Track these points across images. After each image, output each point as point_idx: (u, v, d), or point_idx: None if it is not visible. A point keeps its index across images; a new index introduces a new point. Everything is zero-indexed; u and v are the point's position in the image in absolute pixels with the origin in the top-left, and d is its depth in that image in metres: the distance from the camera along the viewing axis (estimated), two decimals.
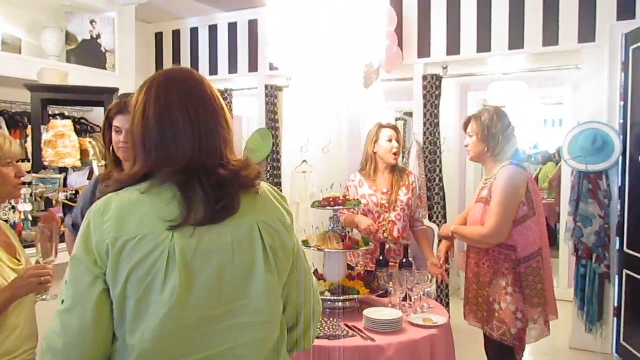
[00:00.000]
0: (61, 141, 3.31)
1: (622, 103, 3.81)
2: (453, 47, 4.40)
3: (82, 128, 3.82)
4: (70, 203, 3.18)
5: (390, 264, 2.78)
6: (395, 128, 3.09)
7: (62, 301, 1.07)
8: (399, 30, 4.45)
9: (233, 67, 5.39)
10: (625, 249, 3.76)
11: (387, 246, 2.91)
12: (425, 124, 4.51)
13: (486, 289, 2.46)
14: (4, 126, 3.68)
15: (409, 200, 3.01)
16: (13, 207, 2.83)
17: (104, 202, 1.09)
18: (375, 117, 4.33)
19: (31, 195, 2.97)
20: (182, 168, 1.09)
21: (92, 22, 4.08)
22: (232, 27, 5.37)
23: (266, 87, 5.20)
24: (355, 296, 2.47)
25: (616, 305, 3.86)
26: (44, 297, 1.74)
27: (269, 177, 5.16)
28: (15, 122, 3.80)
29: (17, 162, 1.77)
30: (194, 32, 5.59)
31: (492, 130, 2.47)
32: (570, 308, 4.09)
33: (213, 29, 5.49)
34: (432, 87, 4.45)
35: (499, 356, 2.50)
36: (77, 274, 1.06)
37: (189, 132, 1.11)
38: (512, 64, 4.56)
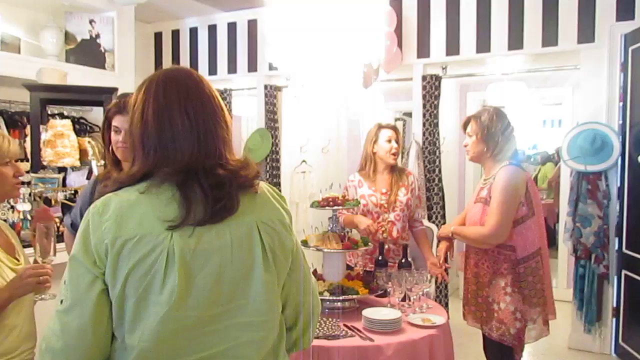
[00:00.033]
0: (60, 141, 3.31)
1: (621, 103, 3.82)
2: (452, 47, 4.40)
3: (81, 128, 3.82)
4: (69, 203, 3.18)
5: (389, 264, 2.78)
6: (394, 128, 3.09)
7: (61, 301, 1.06)
8: (399, 30, 4.46)
9: (232, 67, 5.39)
10: (623, 249, 3.77)
11: (386, 246, 2.91)
12: (424, 124, 4.51)
13: (485, 289, 2.47)
14: (3, 126, 3.67)
15: (408, 201, 3.01)
16: (12, 207, 2.83)
17: (103, 202, 1.08)
18: (374, 117, 4.34)
19: (30, 194, 2.97)
20: (181, 168, 1.09)
21: (91, 21, 4.08)
22: (232, 27, 5.37)
23: (265, 87, 5.20)
24: (354, 296, 2.47)
25: (615, 305, 3.86)
26: (43, 296, 1.73)
27: (268, 177, 5.16)
28: (14, 122, 3.80)
29: (16, 161, 1.77)
30: (193, 32, 5.59)
31: (491, 130, 2.47)
32: (569, 308, 4.10)
33: (212, 29, 5.49)
34: (432, 87, 4.45)
35: (498, 356, 2.50)
36: (76, 274, 1.06)
37: (188, 132, 1.10)
38: (511, 64, 4.56)
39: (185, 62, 5.56)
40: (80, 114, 3.94)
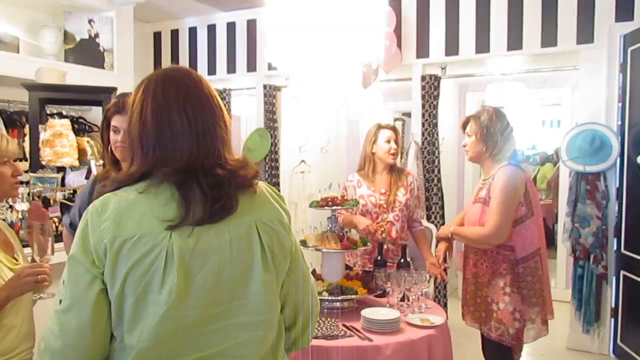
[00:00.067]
0: (59, 140, 3.31)
1: (620, 104, 3.82)
2: (452, 47, 4.40)
3: (80, 127, 3.82)
4: (68, 202, 3.18)
5: (388, 264, 2.78)
6: (394, 129, 3.09)
7: (60, 301, 1.06)
8: (398, 30, 4.46)
9: (231, 67, 5.39)
10: (622, 249, 3.77)
11: (385, 246, 2.91)
12: (423, 124, 4.51)
13: (484, 289, 2.47)
14: (2, 125, 3.67)
15: (407, 201, 3.02)
16: (11, 207, 2.83)
17: (102, 202, 1.08)
18: (373, 117, 4.34)
19: (29, 194, 2.97)
20: (180, 168, 1.09)
21: (90, 21, 4.08)
22: (231, 27, 5.37)
23: (264, 86, 5.20)
24: (353, 296, 2.47)
25: (613, 306, 3.87)
26: (41, 295, 1.73)
27: (267, 177, 5.17)
28: (13, 122, 3.80)
29: (15, 161, 1.76)
30: (193, 31, 5.59)
31: (490, 130, 2.48)
32: (568, 309, 4.10)
33: (211, 29, 5.48)
34: (431, 87, 4.45)
35: (497, 356, 2.50)
36: (74, 274, 1.06)
37: (187, 132, 1.10)
38: (510, 64, 4.57)
39: (184, 61, 5.55)
40: (79, 114, 3.94)
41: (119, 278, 1.04)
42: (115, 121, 1.95)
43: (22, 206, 2.84)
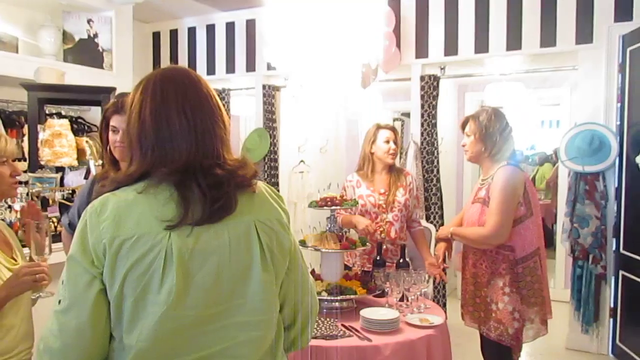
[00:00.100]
0: (58, 140, 3.31)
1: (619, 104, 3.83)
2: (451, 47, 4.41)
3: (79, 127, 3.82)
4: (67, 202, 3.18)
5: (387, 264, 2.78)
6: (393, 129, 3.09)
7: (59, 301, 1.06)
8: (397, 30, 4.46)
9: (230, 67, 5.39)
10: (621, 249, 3.77)
11: (384, 246, 2.91)
12: (422, 124, 4.51)
13: (483, 289, 2.47)
14: (1, 125, 3.66)
15: (407, 201, 3.02)
16: (9, 207, 2.82)
17: (101, 202, 1.08)
18: (372, 117, 4.34)
19: (27, 194, 2.96)
20: (179, 168, 1.09)
21: (89, 21, 4.08)
22: (230, 27, 5.37)
23: (264, 86, 5.19)
24: (352, 296, 2.47)
25: (612, 306, 3.87)
26: (40, 294, 1.72)
27: (266, 177, 5.17)
28: (11, 121, 3.80)
29: (13, 160, 1.76)
30: (192, 31, 5.59)
31: (489, 130, 2.48)
32: (567, 309, 4.11)
33: (210, 29, 5.48)
34: (430, 87, 4.46)
35: (496, 356, 2.50)
36: (74, 274, 1.06)
37: (186, 132, 1.10)
38: (509, 64, 4.57)
39: (183, 61, 5.55)
40: (78, 114, 3.94)
41: (118, 278, 1.03)
42: (114, 121, 1.95)
43: (21, 206, 2.83)
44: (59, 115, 3.68)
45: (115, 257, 1.03)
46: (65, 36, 4.02)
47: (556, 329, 3.63)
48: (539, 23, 4.07)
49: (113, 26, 4.15)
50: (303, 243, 2.57)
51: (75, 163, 3.39)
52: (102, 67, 4.10)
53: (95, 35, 4.10)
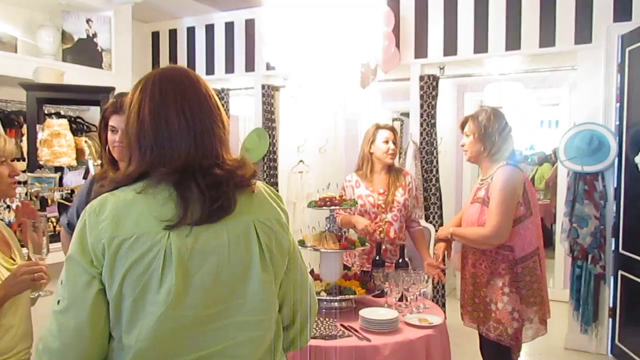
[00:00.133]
0: (57, 140, 3.30)
1: (618, 104, 3.83)
2: (450, 47, 4.41)
3: (77, 127, 3.82)
4: (65, 202, 3.18)
5: (387, 264, 2.78)
6: (392, 129, 3.08)
7: (58, 301, 1.06)
8: (396, 30, 4.46)
9: (230, 67, 5.38)
10: (620, 249, 3.78)
11: (384, 246, 2.91)
12: (421, 124, 4.51)
13: (483, 289, 2.47)
14: None
15: (406, 201, 3.02)
16: (8, 207, 2.82)
17: (100, 202, 1.08)
18: (372, 117, 4.34)
19: (26, 194, 2.96)
20: (178, 168, 1.09)
21: (88, 21, 4.07)
22: (229, 27, 5.37)
23: (263, 86, 5.19)
24: (351, 296, 2.47)
25: (611, 305, 3.87)
26: (40, 293, 1.72)
27: (265, 176, 5.17)
28: (10, 121, 3.79)
29: (12, 160, 1.76)
30: (191, 31, 5.58)
31: (488, 130, 2.48)
32: (566, 309, 4.11)
33: (210, 29, 5.48)
34: (429, 87, 4.46)
35: (495, 356, 2.50)
36: (73, 274, 1.06)
37: (185, 132, 1.10)
38: (508, 64, 4.57)
39: (182, 61, 5.54)
40: (77, 114, 3.94)
41: (117, 278, 1.03)
42: (113, 121, 1.94)
43: (15, 206, 2.83)
44: (58, 115, 3.68)
45: (114, 257, 1.03)
46: (64, 36, 4.02)
47: (555, 328, 3.63)
48: (538, 23, 4.07)
49: (112, 26, 4.15)
50: (302, 243, 2.57)
51: (74, 163, 3.39)
52: (101, 67, 4.10)
53: (94, 35, 4.10)
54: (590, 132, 3.85)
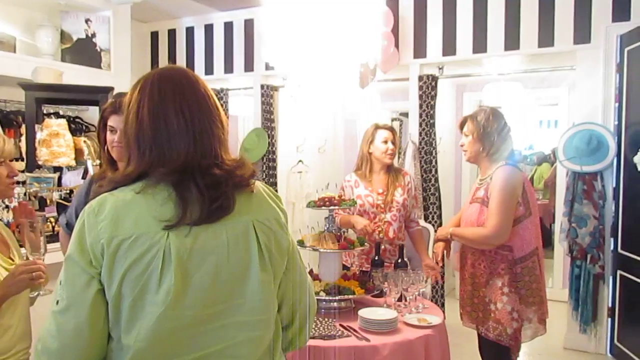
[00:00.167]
0: (55, 140, 3.30)
1: (617, 104, 3.83)
2: (449, 47, 4.41)
3: (76, 127, 3.81)
4: (64, 202, 3.17)
5: (386, 264, 2.78)
6: (391, 129, 3.08)
7: (57, 302, 1.06)
8: (395, 30, 4.46)
9: (229, 67, 5.38)
10: (619, 249, 3.78)
11: (383, 246, 2.91)
12: (420, 124, 4.52)
13: (482, 289, 2.47)
14: None
15: (405, 201, 3.02)
16: (7, 207, 2.82)
17: (98, 202, 1.08)
18: (371, 117, 4.34)
19: (25, 194, 2.96)
20: (177, 168, 1.08)
21: (87, 20, 4.07)
22: (228, 27, 5.37)
23: (262, 86, 5.19)
24: (350, 296, 2.47)
25: (610, 305, 3.88)
26: (39, 292, 1.72)
27: (264, 176, 5.17)
28: (9, 121, 3.78)
29: (11, 160, 1.76)
30: (190, 31, 5.58)
31: (487, 130, 2.48)
32: (565, 308, 4.11)
33: (209, 29, 5.48)
34: (428, 87, 4.46)
35: (494, 356, 2.50)
36: (71, 274, 1.06)
37: (184, 132, 1.10)
38: (507, 64, 4.57)
39: (181, 61, 5.54)
40: (75, 114, 3.93)
41: (116, 278, 1.03)
42: (112, 121, 1.94)
43: (12, 206, 2.83)
44: (57, 115, 3.68)
45: (113, 257, 1.03)
46: (63, 36, 4.01)
47: (554, 328, 3.63)
48: (537, 23, 4.08)
49: (111, 26, 4.15)
50: (301, 243, 2.57)
51: (73, 163, 3.39)
52: (100, 67, 4.09)
53: (93, 35, 4.10)
54: (589, 132, 3.85)
